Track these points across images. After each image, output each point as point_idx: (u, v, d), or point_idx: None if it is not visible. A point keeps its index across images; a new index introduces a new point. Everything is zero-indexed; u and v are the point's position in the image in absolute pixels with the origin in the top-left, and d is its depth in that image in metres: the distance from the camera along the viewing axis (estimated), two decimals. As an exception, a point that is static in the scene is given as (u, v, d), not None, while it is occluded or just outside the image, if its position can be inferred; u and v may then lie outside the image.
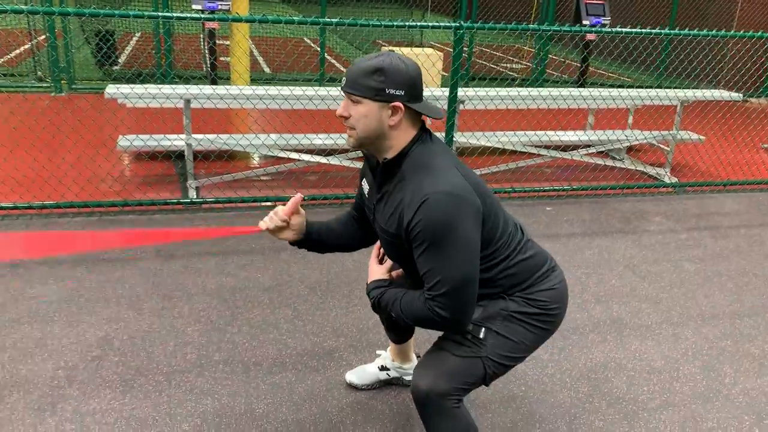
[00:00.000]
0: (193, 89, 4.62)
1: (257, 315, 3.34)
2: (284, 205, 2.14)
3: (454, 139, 4.94)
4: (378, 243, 2.20)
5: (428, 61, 6.29)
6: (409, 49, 6.73)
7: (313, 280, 3.74)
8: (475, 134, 5.37)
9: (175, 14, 4.31)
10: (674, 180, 5.96)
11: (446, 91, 4.92)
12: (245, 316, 3.33)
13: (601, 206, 5.31)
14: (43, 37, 8.22)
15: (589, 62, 10.19)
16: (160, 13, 4.21)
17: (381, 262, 2.20)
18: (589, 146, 6.10)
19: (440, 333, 2.07)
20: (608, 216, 5.09)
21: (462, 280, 1.80)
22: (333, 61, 11.92)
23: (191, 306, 3.39)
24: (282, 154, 5.05)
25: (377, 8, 11.99)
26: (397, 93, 1.83)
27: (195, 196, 4.81)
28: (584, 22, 9.52)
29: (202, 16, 4.68)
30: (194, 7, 7.99)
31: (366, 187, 2.11)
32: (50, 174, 5.09)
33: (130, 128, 6.52)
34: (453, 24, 4.63)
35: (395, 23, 4.56)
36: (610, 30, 5.06)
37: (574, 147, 6.23)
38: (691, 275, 4.13)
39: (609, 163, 6.07)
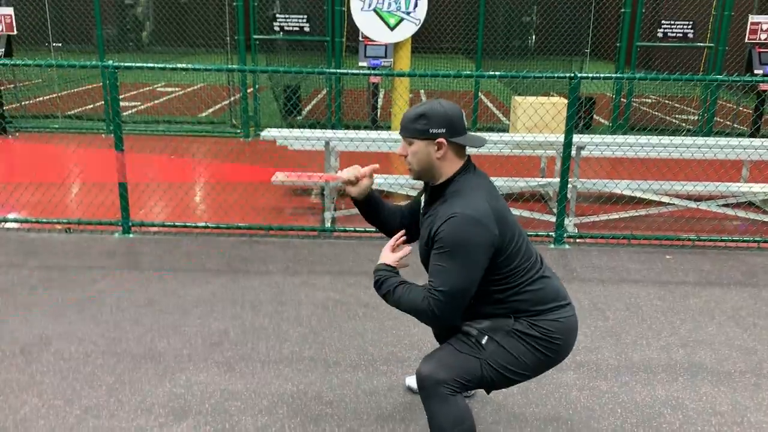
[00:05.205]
0: (329, 133, 5.36)
1: (350, 325, 3.85)
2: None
3: (568, 183, 5.12)
4: (397, 235, 2.58)
5: (553, 109, 6.52)
6: (541, 97, 7.02)
7: (405, 301, 4.17)
8: (592, 180, 5.48)
9: (341, 70, 5.09)
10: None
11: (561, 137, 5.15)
12: (340, 324, 3.86)
13: (727, 258, 5.11)
14: (239, 95, 9.69)
15: (764, 113, 9.56)
16: (327, 69, 5.02)
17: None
18: (726, 198, 5.88)
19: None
20: (731, 268, 4.90)
21: (459, 289, 2.20)
22: (494, 110, 12.37)
23: (298, 312, 4.00)
24: (401, 191, 5.59)
25: (542, 59, 12.25)
26: (439, 131, 2.30)
27: (329, 225, 5.50)
28: (756, 72, 9.04)
29: (367, 72, 5.46)
30: (360, 64, 9.00)
31: (422, 202, 2.57)
32: (218, 203, 6.11)
33: (302, 167, 7.50)
34: (567, 75, 4.91)
35: (509, 74, 4.95)
36: None
37: (710, 198, 6.02)
38: (801, 331, 3.92)
39: (756, 216, 5.78)
